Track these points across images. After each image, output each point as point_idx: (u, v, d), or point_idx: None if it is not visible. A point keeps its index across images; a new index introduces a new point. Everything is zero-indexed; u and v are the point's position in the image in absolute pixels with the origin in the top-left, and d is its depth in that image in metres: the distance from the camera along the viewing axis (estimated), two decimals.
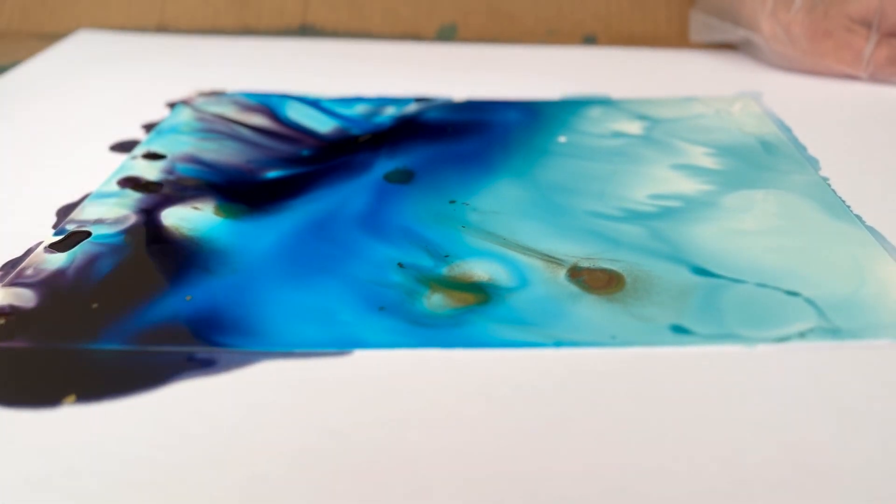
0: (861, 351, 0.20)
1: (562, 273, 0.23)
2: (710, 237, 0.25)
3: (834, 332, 0.21)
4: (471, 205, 0.27)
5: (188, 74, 0.40)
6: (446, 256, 0.24)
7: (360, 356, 0.20)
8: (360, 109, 0.36)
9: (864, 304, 0.22)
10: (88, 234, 0.25)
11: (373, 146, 0.32)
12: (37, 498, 0.16)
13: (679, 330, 0.21)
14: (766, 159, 0.31)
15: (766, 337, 0.20)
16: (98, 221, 0.26)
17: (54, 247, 0.24)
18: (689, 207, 0.27)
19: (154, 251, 0.24)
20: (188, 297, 0.22)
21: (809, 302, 0.22)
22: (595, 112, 0.35)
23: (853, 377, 0.19)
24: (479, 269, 0.23)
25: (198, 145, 0.32)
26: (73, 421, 0.18)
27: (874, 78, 0.38)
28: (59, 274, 0.23)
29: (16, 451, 0.17)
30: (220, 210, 0.27)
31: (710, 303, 0.22)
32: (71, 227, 0.26)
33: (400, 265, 0.24)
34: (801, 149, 0.31)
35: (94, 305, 0.22)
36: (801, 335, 0.20)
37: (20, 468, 0.17)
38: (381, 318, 0.21)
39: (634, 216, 0.27)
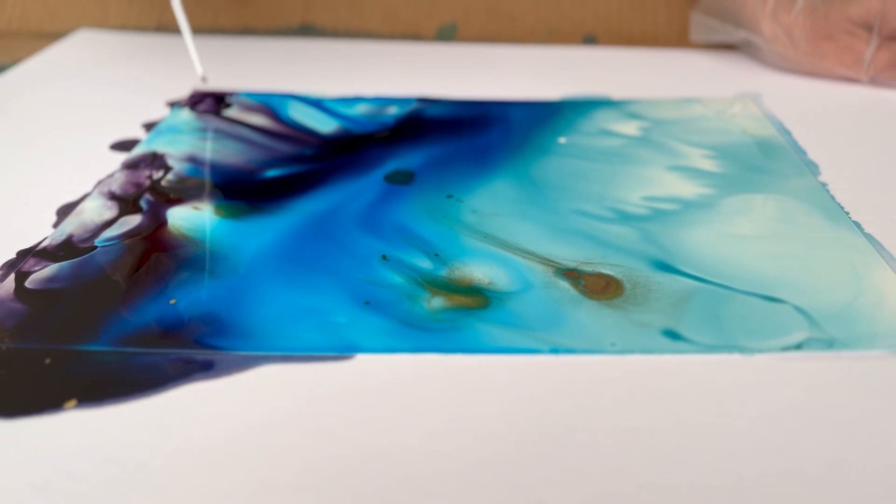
0: (857, 361, 0.20)
1: (561, 277, 0.23)
2: (708, 242, 0.25)
3: (830, 343, 0.21)
4: (465, 202, 0.27)
5: (188, 74, 0.39)
6: (436, 255, 0.24)
7: (360, 360, 0.20)
8: (361, 109, 0.36)
9: (861, 314, 0.22)
10: (90, 237, 0.25)
11: (380, 144, 0.32)
12: (38, 503, 0.16)
13: (677, 338, 0.21)
14: (765, 163, 0.31)
15: (763, 346, 0.20)
16: (99, 223, 0.26)
17: (54, 248, 0.25)
18: (687, 211, 0.27)
19: (153, 253, 0.25)
20: (172, 301, 0.22)
21: (806, 312, 0.22)
22: (597, 113, 0.35)
23: (849, 388, 0.19)
24: (479, 273, 0.24)
25: (198, 145, 0.32)
26: (73, 425, 0.18)
27: (875, 81, 0.38)
28: (58, 275, 0.23)
29: (17, 455, 0.17)
30: (220, 210, 0.27)
31: (708, 311, 0.22)
32: (70, 228, 0.26)
33: (384, 257, 0.24)
34: (801, 153, 0.31)
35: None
36: (798, 346, 0.20)
37: (22, 473, 0.17)
38: (380, 321, 0.21)
39: (634, 219, 0.27)
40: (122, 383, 0.19)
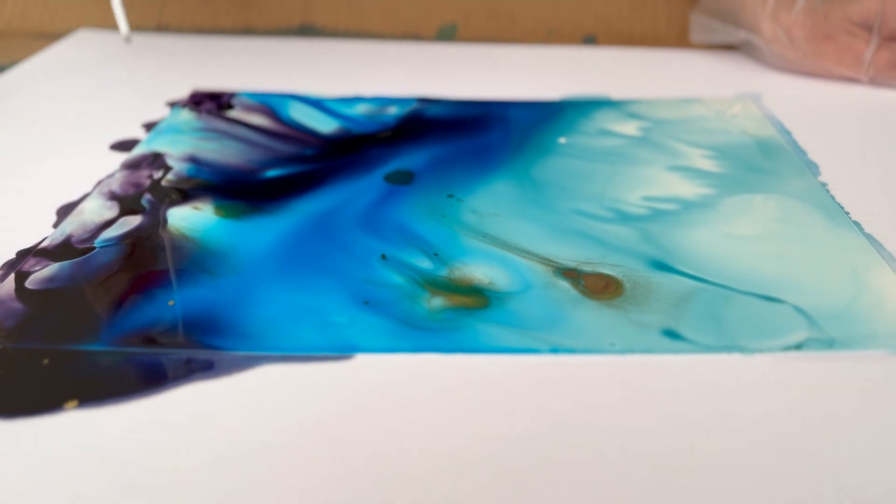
0: (857, 361, 0.20)
1: (561, 277, 0.23)
2: (707, 242, 0.25)
3: (830, 343, 0.21)
4: (465, 202, 0.27)
5: (188, 74, 0.40)
6: (436, 255, 0.24)
7: (360, 360, 0.20)
8: (361, 109, 0.36)
9: (861, 315, 0.22)
10: (89, 238, 0.25)
11: (380, 144, 0.32)
12: (39, 503, 0.16)
13: (677, 338, 0.21)
14: (766, 163, 0.31)
15: (763, 346, 0.20)
16: (98, 223, 0.26)
17: (54, 249, 0.25)
18: (687, 211, 0.27)
19: (152, 253, 0.25)
20: (171, 303, 0.22)
21: (806, 312, 0.22)
22: (597, 113, 0.35)
23: (848, 388, 0.19)
24: (479, 273, 0.24)
25: (198, 145, 0.32)
26: (73, 425, 0.18)
27: (875, 81, 0.38)
28: (58, 275, 0.23)
29: (17, 455, 0.17)
30: (220, 210, 0.27)
31: (708, 311, 0.22)
32: (71, 228, 0.26)
33: (383, 257, 0.24)
34: (801, 153, 0.31)
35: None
36: (798, 346, 0.20)
37: (22, 473, 0.17)
38: (379, 321, 0.21)
39: (634, 219, 0.27)
40: (122, 383, 0.19)
